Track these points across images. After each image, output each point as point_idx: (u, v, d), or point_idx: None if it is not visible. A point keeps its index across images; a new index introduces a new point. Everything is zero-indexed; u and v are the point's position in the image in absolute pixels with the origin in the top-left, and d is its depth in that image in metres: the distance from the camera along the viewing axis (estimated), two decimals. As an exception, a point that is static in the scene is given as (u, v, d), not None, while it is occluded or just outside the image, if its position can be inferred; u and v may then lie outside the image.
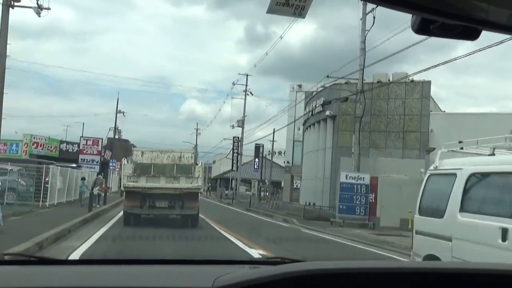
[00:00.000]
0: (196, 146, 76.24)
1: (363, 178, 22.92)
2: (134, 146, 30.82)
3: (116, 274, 2.06)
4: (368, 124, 27.25)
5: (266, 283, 1.56)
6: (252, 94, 53.43)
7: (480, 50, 15.41)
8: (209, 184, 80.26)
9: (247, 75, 51.58)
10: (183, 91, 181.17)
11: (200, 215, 16.51)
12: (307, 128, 36.57)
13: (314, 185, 31.82)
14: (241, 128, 53.28)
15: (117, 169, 44.77)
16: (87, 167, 36.64)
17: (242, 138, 53.75)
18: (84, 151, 38.02)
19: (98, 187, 20.77)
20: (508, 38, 11.23)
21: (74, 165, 30.13)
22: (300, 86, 42.38)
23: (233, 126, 54.47)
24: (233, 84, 53.04)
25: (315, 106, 31.67)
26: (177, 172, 15.34)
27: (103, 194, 21.23)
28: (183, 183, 15.41)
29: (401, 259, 10.15)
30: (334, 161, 28.87)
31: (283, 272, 1.61)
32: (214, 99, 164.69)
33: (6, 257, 2.27)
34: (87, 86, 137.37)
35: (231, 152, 57.51)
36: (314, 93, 34.79)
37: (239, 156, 54.64)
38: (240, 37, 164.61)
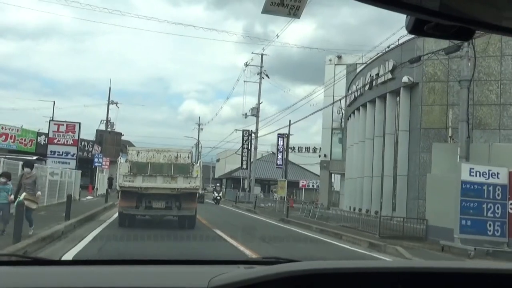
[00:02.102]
0: (198, 143, 68.94)
1: (496, 173, 13.79)
2: (131, 145, 24.73)
3: (111, 274, 2.02)
4: (469, 95, 18.13)
5: (261, 283, 1.54)
6: (269, 77, 44.99)
7: None
8: (213, 185, 72.38)
9: (262, 55, 44.01)
10: (182, 92, 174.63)
11: (229, 239, 13.24)
12: (353, 112, 27.31)
13: (375, 185, 22.51)
14: (255, 118, 45.30)
15: (104, 167, 35.33)
16: (60, 162, 27.03)
17: (257, 129, 45.03)
18: (55, 141, 28.07)
19: (26, 193, 10.02)
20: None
21: (34, 157, 20.62)
22: (340, 57, 32.54)
23: (245, 115, 46.84)
24: (246, 65, 45.61)
25: (377, 75, 22.44)
26: (174, 171, 15.15)
27: (34, 207, 10.65)
28: (180, 183, 15.17)
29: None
30: (414, 150, 19.72)
31: (278, 272, 1.59)
32: (213, 99, 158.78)
33: (0, 258, 2.33)
34: (85, 87, 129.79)
35: (241, 147, 49.75)
36: (362, 65, 25.65)
37: (251, 152, 46.53)
38: (238, 37, 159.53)
